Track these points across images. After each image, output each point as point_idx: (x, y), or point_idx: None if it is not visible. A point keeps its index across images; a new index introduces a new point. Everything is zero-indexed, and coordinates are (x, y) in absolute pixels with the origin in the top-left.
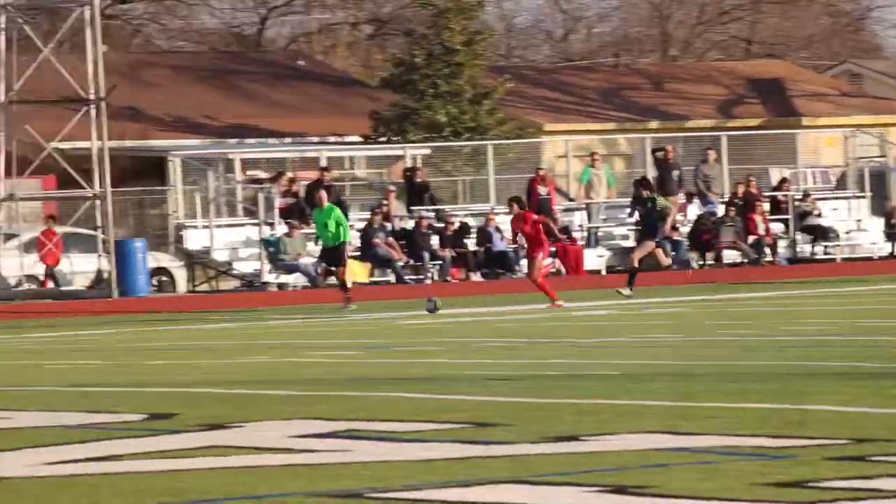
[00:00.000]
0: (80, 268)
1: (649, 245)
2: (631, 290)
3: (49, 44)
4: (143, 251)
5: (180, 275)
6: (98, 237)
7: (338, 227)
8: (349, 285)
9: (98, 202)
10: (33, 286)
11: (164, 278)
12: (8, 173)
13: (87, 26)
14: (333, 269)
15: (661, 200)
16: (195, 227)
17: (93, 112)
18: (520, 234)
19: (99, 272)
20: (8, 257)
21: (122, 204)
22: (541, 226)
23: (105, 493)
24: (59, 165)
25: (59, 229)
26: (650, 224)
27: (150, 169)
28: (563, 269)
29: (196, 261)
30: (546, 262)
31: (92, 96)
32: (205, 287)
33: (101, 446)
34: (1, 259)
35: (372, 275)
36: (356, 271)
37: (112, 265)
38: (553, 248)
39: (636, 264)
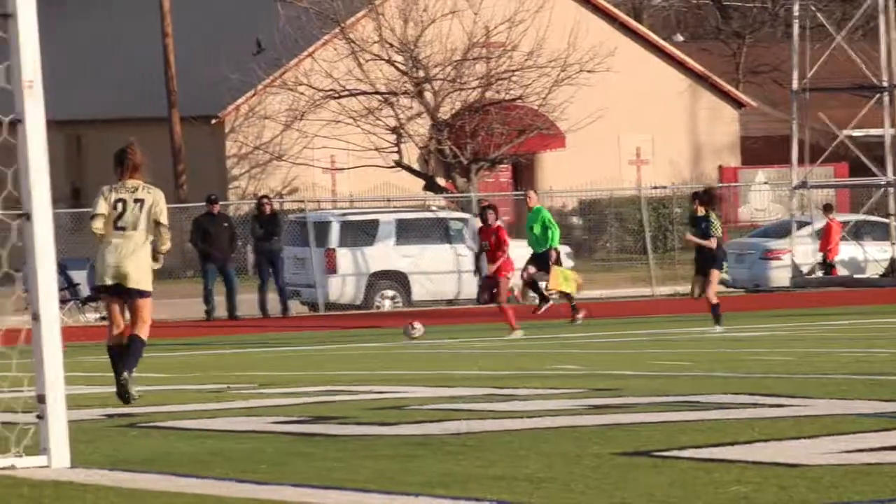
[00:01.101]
0: (872, 256)
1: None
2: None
3: (842, 31)
4: None
5: None
6: (890, 225)
7: (545, 231)
8: (566, 294)
9: (890, 190)
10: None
11: None
12: (801, 161)
13: (881, 13)
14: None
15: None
16: None
17: (885, 99)
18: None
19: (892, 260)
20: (800, 244)
21: None
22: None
23: None
24: (851, 153)
25: (848, 218)
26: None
27: None
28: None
29: None
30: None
31: (885, 83)
32: None
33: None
34: (794, 246)
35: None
36: (561, 279)
37: None
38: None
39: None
